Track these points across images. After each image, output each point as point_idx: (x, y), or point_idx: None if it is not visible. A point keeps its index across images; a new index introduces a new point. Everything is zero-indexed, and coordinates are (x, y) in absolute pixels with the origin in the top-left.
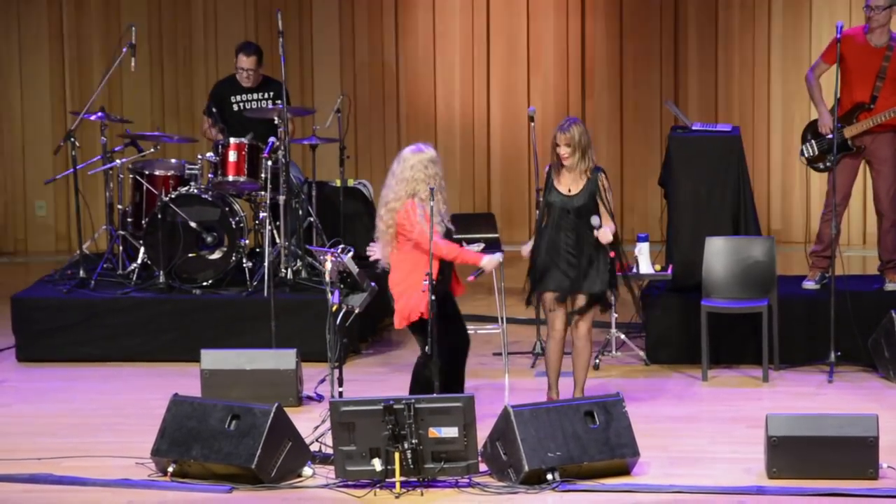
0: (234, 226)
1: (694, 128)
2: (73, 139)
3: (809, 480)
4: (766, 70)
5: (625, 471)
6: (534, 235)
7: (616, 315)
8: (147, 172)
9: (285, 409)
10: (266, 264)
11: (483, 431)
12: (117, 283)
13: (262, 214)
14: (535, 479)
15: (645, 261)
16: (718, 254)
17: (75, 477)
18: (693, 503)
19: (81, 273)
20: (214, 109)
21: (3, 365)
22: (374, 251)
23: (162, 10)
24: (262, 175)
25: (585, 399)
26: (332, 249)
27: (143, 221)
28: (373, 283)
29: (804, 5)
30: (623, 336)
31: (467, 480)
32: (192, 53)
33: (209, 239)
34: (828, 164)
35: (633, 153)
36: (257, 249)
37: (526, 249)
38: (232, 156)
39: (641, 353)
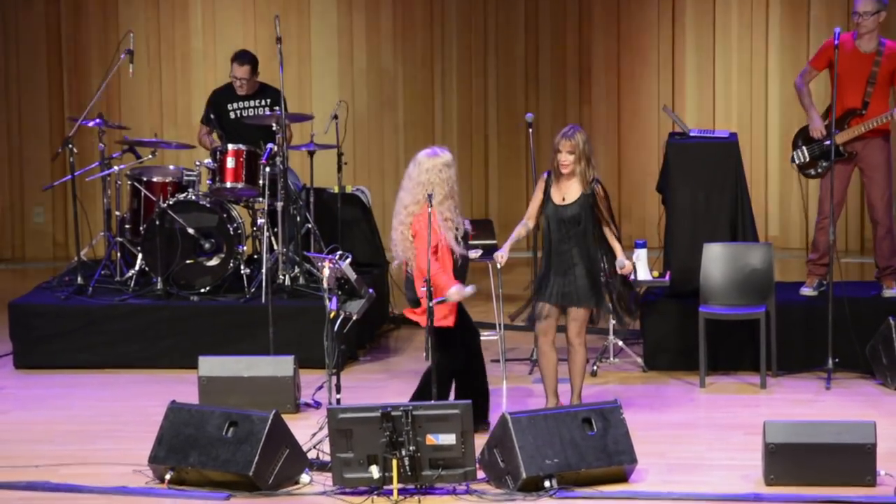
0: (231, 232)
1: (692, 134)
2: (71, 146)
3: (807, 487)
4: (764, 76)
5: (622, 478)
6: (507, 243)
7: (613, 322)
8: (145, 179)
9: (283, 415)
10: (264, 271)
11: (480, 438)
12: (115, 290)
13: (259, 221)
14: (532, 487)
15: (643, 267)
16: (716, 260)
17: (73, 484)
18: None
19: (79, 279)
20: (213, 116)
21: (0, 372)
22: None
23: (160, 17)
24: (260, 181)
25: (583, 406)
26: (330, 256)
27: (141, 228)
28: (370, 290)
29: (802, 12)
30: (621, 343)
31: (465, 487)
32: (191, 60)
33: (207, 245)
34: (819, 170)
35: (630, 159)
36: (255, 256)
37: (499, 254)
38: (230, 162)
39: (639, 360)
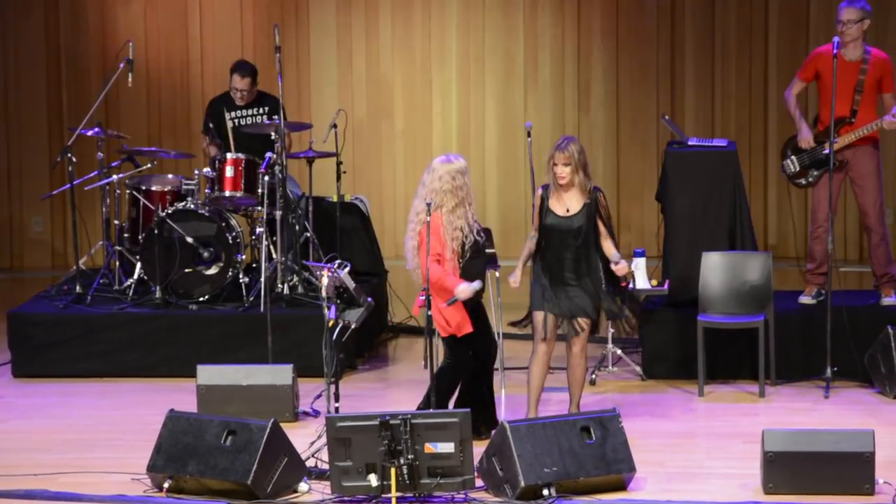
0: (230, 241)
1: (690, 143)
2: (70, 155)
3: (806, 496)
4: (763, 85)
5: (621, 486)
6: (519, 263)
7: (612, 330)
8: (144, 188)
9: (281, 424)
10: (263, 279)
11: (479, 447)
12: (114, 299)
13: (258, 230)
14: (531, 495)
15: (641, 276)
16: (715, 269)
17: (72, 493)
18: None
19: (78, 288)
20: (211, 125)
21: None
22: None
23: (159, 26)
24: (259, 190)
25: (582, 414)
26: (329, 265)
27: (140, 237)
28: (369, 299)
29: (801, 21)
30: (619, 351)
31: (463, 496)
32: (189, 69)
33: (206, 254)
34: (809, 179)
35: (629, 168)
36: (254, 265)
37: (514, 280)
38: (229, 171)
39: (638, 369)
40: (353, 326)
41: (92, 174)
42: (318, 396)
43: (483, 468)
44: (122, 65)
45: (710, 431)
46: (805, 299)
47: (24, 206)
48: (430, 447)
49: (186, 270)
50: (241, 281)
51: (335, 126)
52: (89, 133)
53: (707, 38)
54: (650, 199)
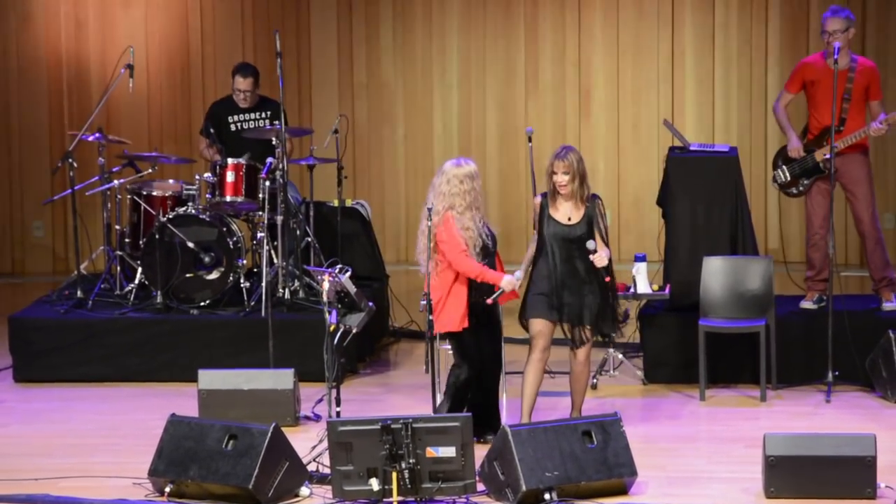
0: (231, 246)
1: (692, 148)
2: (70, 160)
3: (807, 500)
4: (764, 90)
5: (622, 490)
6: (523, 266)
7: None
8: (145, 193)
9: (283, 428)
10: (264, 284)
11: (481, 451)
12: (115, 304)
13: (259, 234)
14: (532, 499)
15: (643, 280)
16: (716, 273)
17: (73, 497)
18: None
19: (79, 293)
20: (212, 130)
21: (0, 385)
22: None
23: (160, 31)
24: (260, 195)
25: (583, 419)
26: (330, 269)
27: (141, 242)
28: (370, 303)
29: (801, 26)
30: (621, 356)
31: (465, 500)
32: (190, 74)
33: (207, 259)
34: (800, 188)
35: (630, 173)
36: (255, 269)
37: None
38: (230, 176)
39: (639, 373)
40: (354, 331)
41: (93, 179)
42: (320, 401)
43: (484, 472)
44: (122, 70)
45: (712, 435)
46: (806, 304)
47: (25, 211)
48: (431, 451)
49: (187, 275)
50: (242, 286)
51: (336, 131)
52: (90, 138)
53: (708, 43)
54: (651, 204)
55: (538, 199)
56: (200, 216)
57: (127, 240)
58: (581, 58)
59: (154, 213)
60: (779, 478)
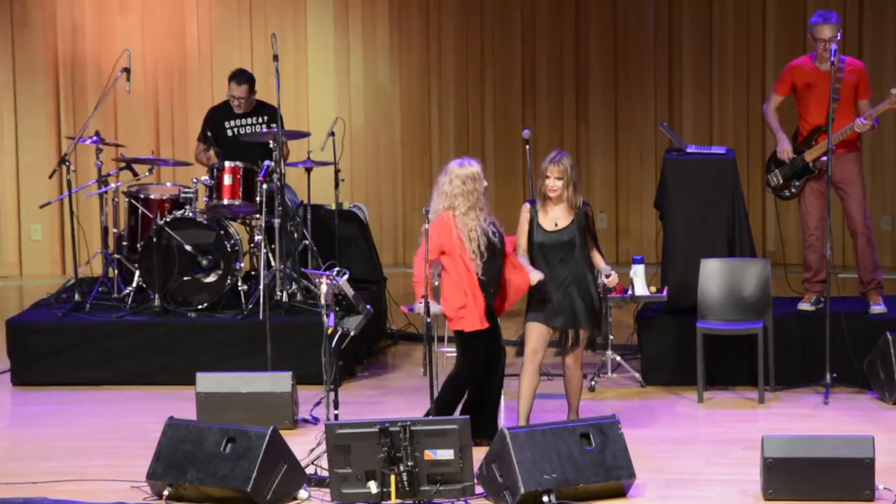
0: (229, 249)
1: (689, 150)
2: (68, 163)
3: (805, 502)
4: (761, 92)
5: (621, 493)
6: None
7: (612, 337)
8: (142, 196)
9: (281, 431)
10: (261, 287)
11: (479, 453)
12: (112, 307)
13: (257, 237)
14: (531, 502)
15: (640, 283)
16: (713, 276)
17: (70, 501)
18: None
19: (76, 297)
20: (210, 134)
21: None
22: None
23: (157, 35)
24: (258, 198)
25: (581, 421)
26: (328, 272)
27: (139, 245)
28: (368, 306)
29: (799, 28)
30: (618, 358)
31: (463, 503)
32: (187, 77)
33: (204, 262)
34: (793, 190)
35: (627, 176)
36: (252, 272)
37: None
38: (227, 179)
39: (637, 375)
40: (352, 334)
41: (90, 182)
42: (318, 404)
43: (483, 475)
44: (119, 73)
45: (710, 438)
46: (804, 306)
47: (22, 215)
48: (429, 454)
49: (185, 278)
50: (239, 289)
51: (333, 134)
52: (87, 142)
53: (705, 45)
54: (649, 207)
55: (527, 206)
56: (198, 219)
57: (124, 243)
58: (578, 60)
59: (151, 216)
60: (777, 480)
